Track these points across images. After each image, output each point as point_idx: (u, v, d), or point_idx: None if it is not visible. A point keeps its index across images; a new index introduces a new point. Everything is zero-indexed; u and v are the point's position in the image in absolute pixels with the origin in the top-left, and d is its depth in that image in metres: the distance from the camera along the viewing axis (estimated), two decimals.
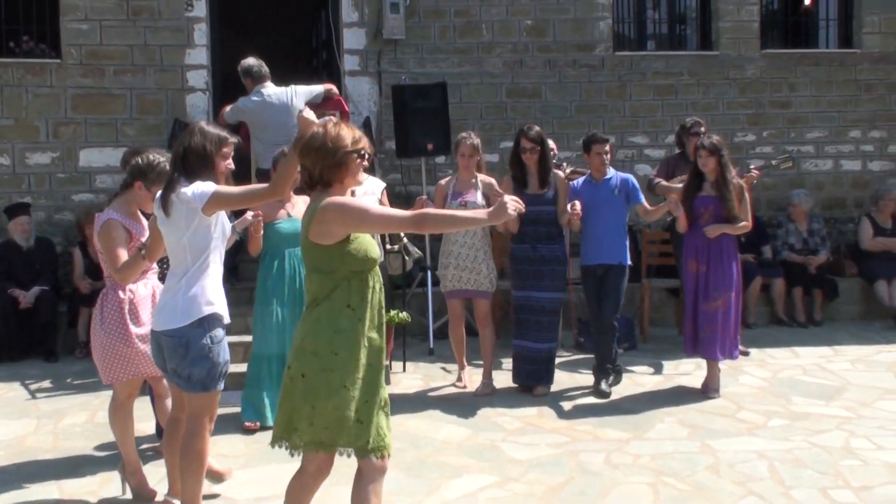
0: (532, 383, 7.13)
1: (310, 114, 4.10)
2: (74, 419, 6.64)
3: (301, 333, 3.76)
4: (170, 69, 9.78)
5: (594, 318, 7.32)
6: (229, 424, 6.31)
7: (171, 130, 9.29)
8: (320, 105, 8.86)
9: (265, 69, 8.40)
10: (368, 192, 6.71)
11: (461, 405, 6.85)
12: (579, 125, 10.39)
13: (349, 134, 3.73)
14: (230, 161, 4.51)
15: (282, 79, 8.55)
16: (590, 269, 7.21)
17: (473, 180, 7.14)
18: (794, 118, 11.07)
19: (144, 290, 5.07)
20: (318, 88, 8.68)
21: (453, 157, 7.30)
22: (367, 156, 3.82)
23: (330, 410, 3.66)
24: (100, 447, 5.97)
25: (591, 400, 7.00)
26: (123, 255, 4.86)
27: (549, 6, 10.50)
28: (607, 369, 7.19)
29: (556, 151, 8.73)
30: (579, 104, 10.60)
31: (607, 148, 7.24)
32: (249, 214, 5.37)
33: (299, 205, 6.23)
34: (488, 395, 7.08)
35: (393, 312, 7.41)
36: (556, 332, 7.36)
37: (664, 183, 8.15)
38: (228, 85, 9.94)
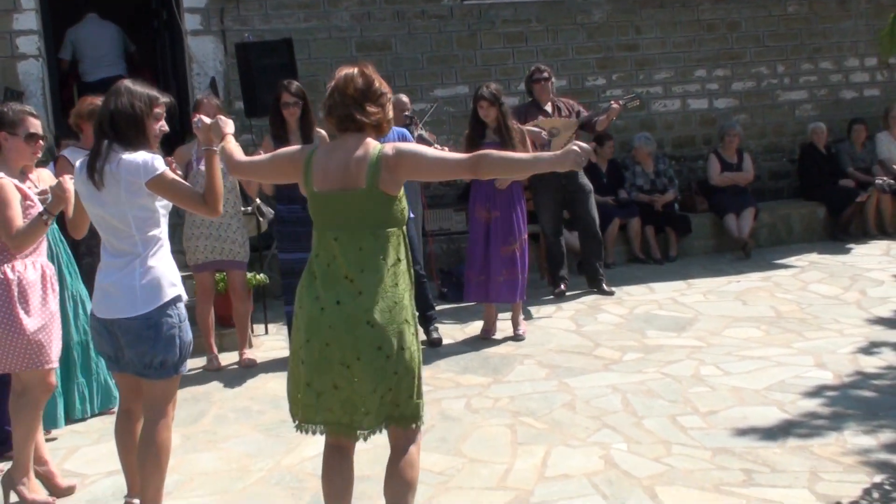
0: None
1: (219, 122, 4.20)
2: None
3: (387, 302, 3.45)
4: None
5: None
6: None
7: (3, 98, 8.80)
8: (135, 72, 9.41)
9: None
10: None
11: None
12: (432, 76, 10.34)
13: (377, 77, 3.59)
14: (163, 123, 4.10)
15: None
16: None
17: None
18: (641, 60, 11.25)
19: (34, 273, 4.50)
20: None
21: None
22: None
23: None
24: None
25: (455, 349, 7.05)
26: (19, 218, 4.37)
27: None
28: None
29: (409, 106, 8.56)
30: (430, 55, 10.51)
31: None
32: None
33: (45, 178, 4.91)
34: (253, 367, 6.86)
35: (250, 275, 7.27)
36: None
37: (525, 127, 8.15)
38: None
